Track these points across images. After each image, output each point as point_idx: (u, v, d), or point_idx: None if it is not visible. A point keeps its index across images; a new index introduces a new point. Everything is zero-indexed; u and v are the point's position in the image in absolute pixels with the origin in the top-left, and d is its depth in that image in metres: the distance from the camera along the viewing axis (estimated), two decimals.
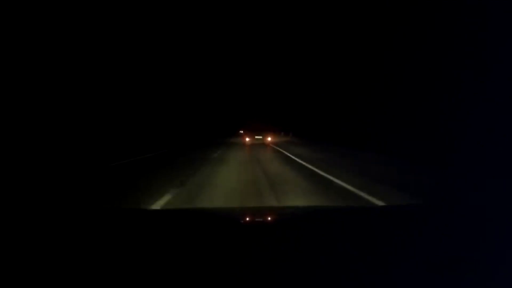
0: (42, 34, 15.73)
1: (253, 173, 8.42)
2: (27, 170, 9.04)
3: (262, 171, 8.85)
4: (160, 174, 8.50)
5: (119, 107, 22.14)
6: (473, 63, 10.71)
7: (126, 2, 23.99)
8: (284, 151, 16.12)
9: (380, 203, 4.95)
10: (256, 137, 24.48)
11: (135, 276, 0.84)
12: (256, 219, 1.72)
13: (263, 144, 22.44)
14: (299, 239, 1.17)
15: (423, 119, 13.12)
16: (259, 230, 1.40)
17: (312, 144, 22.35)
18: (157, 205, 4.75)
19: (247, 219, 1.71)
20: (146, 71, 26.13)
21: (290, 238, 1.20)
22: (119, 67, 21.19)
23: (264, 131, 24.78)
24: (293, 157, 13.22)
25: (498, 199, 4.72)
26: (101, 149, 14.88)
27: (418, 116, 13.54)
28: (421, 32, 13.54)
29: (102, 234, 1.21)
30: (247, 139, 25.03)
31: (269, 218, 1.74)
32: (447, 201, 4.92)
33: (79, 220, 1.45)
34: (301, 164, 10.73)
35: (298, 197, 5.41)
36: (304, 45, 34.93)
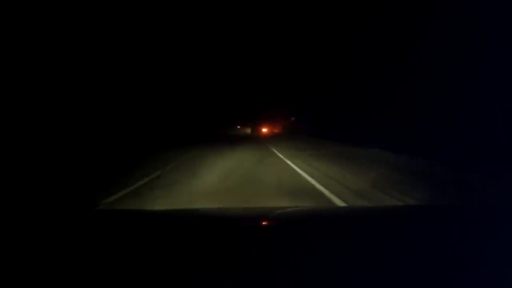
0: (42, 34, 15.76)
1: None
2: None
3: None
4: None
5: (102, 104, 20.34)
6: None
7: None
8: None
9: None
10: (238, 127, 23.58)
11: (130, 279, 0.83)
12: (253, 220, 1.71)
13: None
14: (296, 241, 1.16)
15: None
16: (255, 231, 1.40)
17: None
18: None
19: (244, 220, 1.70)
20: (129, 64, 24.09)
21: (286, 240, 1.19)
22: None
23: (261, 125, 23.83)
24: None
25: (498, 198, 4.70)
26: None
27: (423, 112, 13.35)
28: (421, 27, 13.51)
29: (97, 236, 1.21)
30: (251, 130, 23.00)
31: (266, 219, 1.72)
32: (447, 202, 4.92)
33: (74, 222, 1.45)
34: None
35: None
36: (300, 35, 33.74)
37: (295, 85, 36.82)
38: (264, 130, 37.39)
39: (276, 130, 37.52)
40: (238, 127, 61.43)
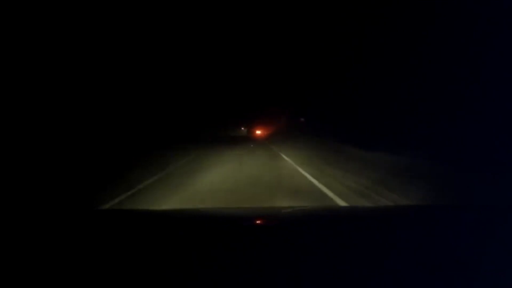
0: (42, 34, 15.74)
1: None
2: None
3: None
4: None
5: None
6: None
7: None
8: None
9: None
10: (242, 128, 24.58)
11: (130, 279, 0.83)
12: (253, 220, 1.70)
13: None
14: (296, 241, 1.16)
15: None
16: (255, 231, 1.39)
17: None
18: None
19: (244, 220, 1.69)
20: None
21: (287, 240, 1.18)
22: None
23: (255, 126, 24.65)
24: None
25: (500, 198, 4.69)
26: None
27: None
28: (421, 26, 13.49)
29: (97, 236, 1.21)
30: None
31: (266, 219, 1.71)
32: (447, 202, 4.90)
33: (75, 222, 1.45)
34: None
35: None
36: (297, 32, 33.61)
37: (293, 86, 37.06)
38: (258, 132, 38.37)
39: (271, 131, 38.09)
40: (242, 128, 62.63)
